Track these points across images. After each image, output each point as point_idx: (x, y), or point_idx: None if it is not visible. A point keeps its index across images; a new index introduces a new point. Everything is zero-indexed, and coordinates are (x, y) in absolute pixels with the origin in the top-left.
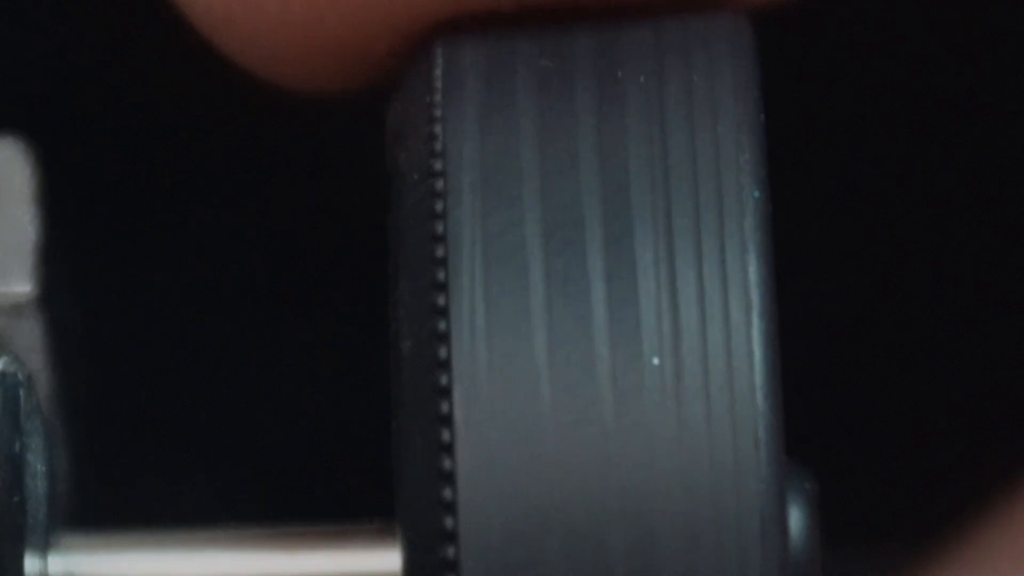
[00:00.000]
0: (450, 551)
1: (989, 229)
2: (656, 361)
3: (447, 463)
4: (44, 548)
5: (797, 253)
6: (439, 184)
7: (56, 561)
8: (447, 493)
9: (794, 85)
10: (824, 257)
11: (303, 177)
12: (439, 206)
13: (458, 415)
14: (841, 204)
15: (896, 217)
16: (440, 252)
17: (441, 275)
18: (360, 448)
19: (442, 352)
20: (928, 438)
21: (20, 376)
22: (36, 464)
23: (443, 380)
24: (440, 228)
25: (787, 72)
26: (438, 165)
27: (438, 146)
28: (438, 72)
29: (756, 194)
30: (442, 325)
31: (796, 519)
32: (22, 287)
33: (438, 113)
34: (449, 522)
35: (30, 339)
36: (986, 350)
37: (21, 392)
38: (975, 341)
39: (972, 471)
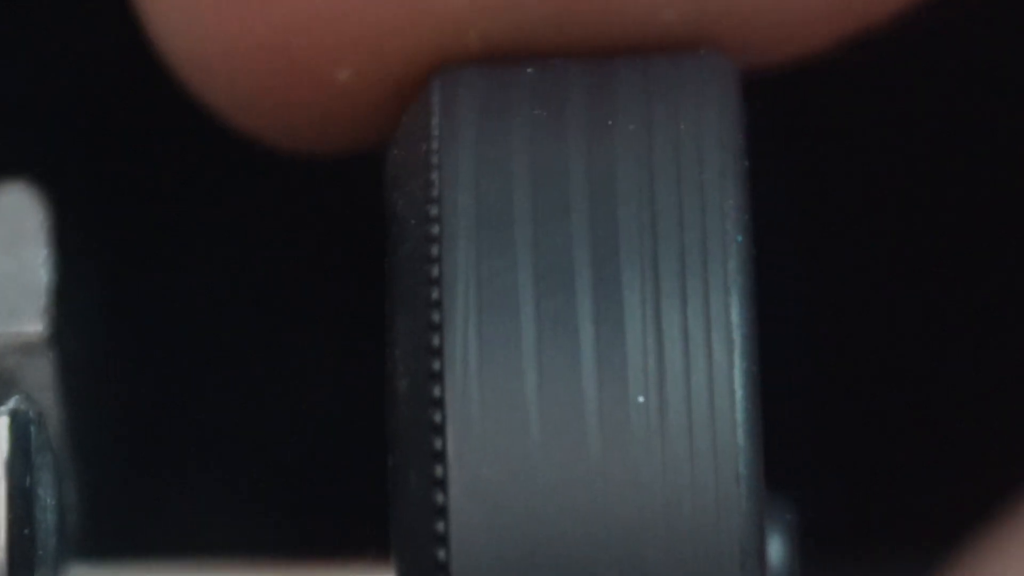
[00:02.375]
0: None
1: (981, 236)
2: (642, 399)
3: (440, 497)
4: None
5: (786, 273)
6: (435, 229)
7: None
8: (440, 526)
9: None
10: (811, 275)
11: (315, 184)
12: (434, 250)
13: (451, 451)
14: (832, 221)
15: (886, 233)
16: (435, 294)
17: (436, 316)
18: (356, 452)
19: (436, 390)
20: (922, 451)
21: (31, 414)
22: (46, 498)
23: (437, 417)
24: (435, 271)
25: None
26: (434, 211)
27: (434, 192)
28: (435, 121)
29: (739, 239)
30: (436, 364)
31: (776, 549)
32: (34, 327)
33: (435, 161)
34: (441, 554)
35: (41, 377)
36: (978, 362)
37: (32, 429)
38: (966, 355)
39: (967, 483)
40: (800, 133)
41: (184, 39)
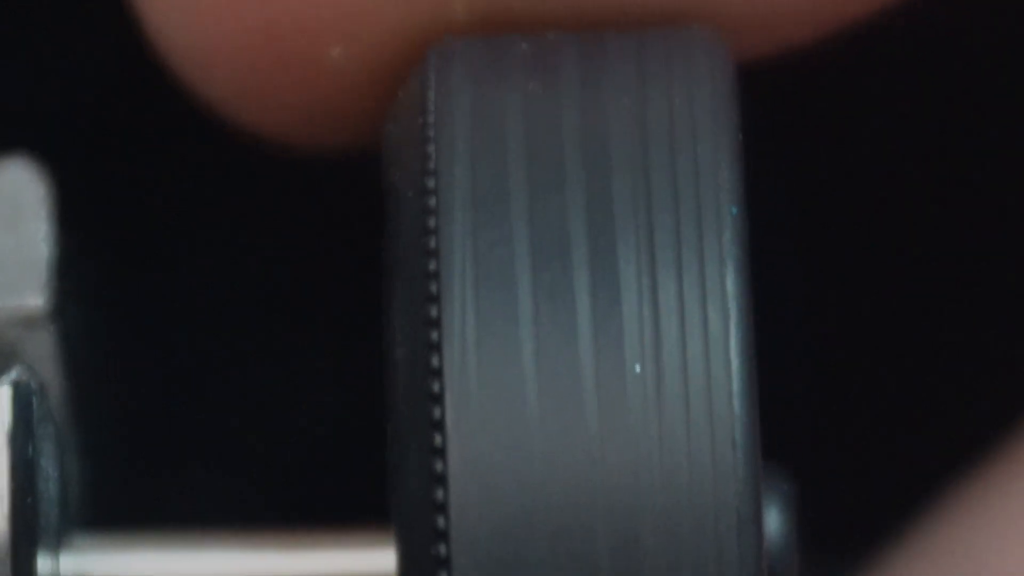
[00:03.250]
0: (442, 549)
1: (983, 231)
2: (638, 369)
3: (439, 466)
4: (56, 549)
5: (781, 258)
6: (431, 202)
7: (68, 561)
8: (439, 494)
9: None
10: (807, 261)
11: (313, 183)
12: (431, 222)
13: (449, 420)
14: (826, 208)
15: (882, 220)
16: (432, 266)
17: (433, 288)
18: (356, 452)
19: (434, 361)
20: (912, 440)
21: (33, 384)
22: (48, 468)
23: (435, 387)
24: (432, 243)
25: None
26: (431, 184)
27: (430, 165)
28: (431, 95)
29: (734, 210)
30: (434, 335)
31: (773, 519)
32: (35, 300)
33: (431, 134)
34: (441, 522)
35: (43, 350)
36: (978, 335)
37: (34, 399)
38: (960, 344)
39: (965, 455)
40: (795, 130)
41: (178, 30)
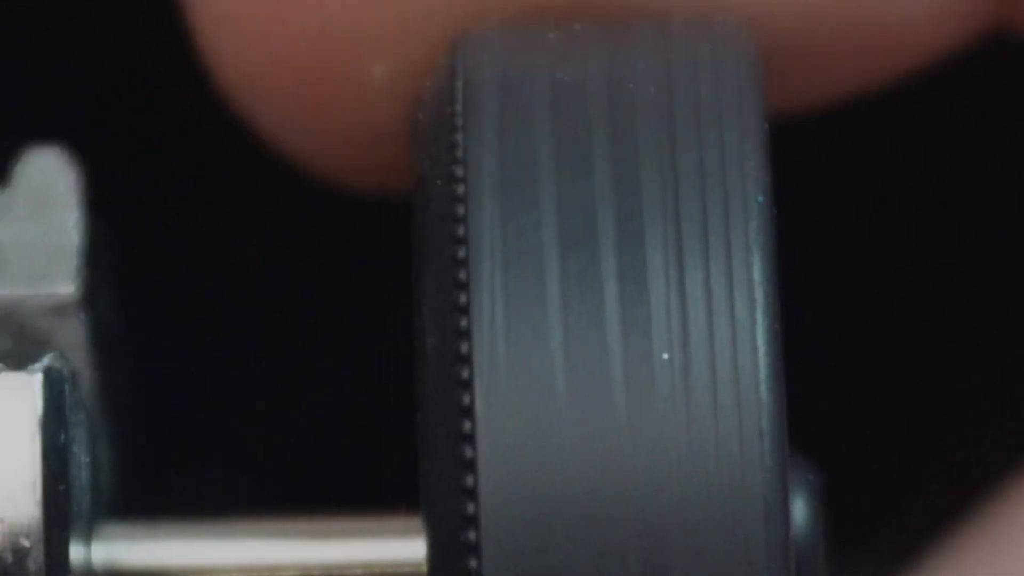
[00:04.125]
0: (471, 535)
1: (993, 227)
2: (666, 356)
3: (468, 452)
4: (88, 536)
5: (804, 251)
6: (460, 189)
7: (99, 549)
8: (468, 480)
9: None
10: (829, 255)
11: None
12: (460, 210)
13: (479, 406)
14: (847, 202)
15: (900, 214)
16: (461, 253)
17: (462, 275)
18: (383, 441)
19: (463, 347)
20: (924, 438)
21: (65, 371)
22: (80, 455)
23: (464, 373)
24: (461, 231)
25: None
26: (459, 171)
27: (459, 154)
28: (459, 84)
29: (760, 199)
30: (463, 322)
31: (799, 508)
32: (66, 288)
33: (459, 123)
34: (470, 507)
35: (74, 337)
36: (987, 348)
37: (66, 387)
38: (975, 338)
39: (971, 469)
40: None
41: (227, 54)
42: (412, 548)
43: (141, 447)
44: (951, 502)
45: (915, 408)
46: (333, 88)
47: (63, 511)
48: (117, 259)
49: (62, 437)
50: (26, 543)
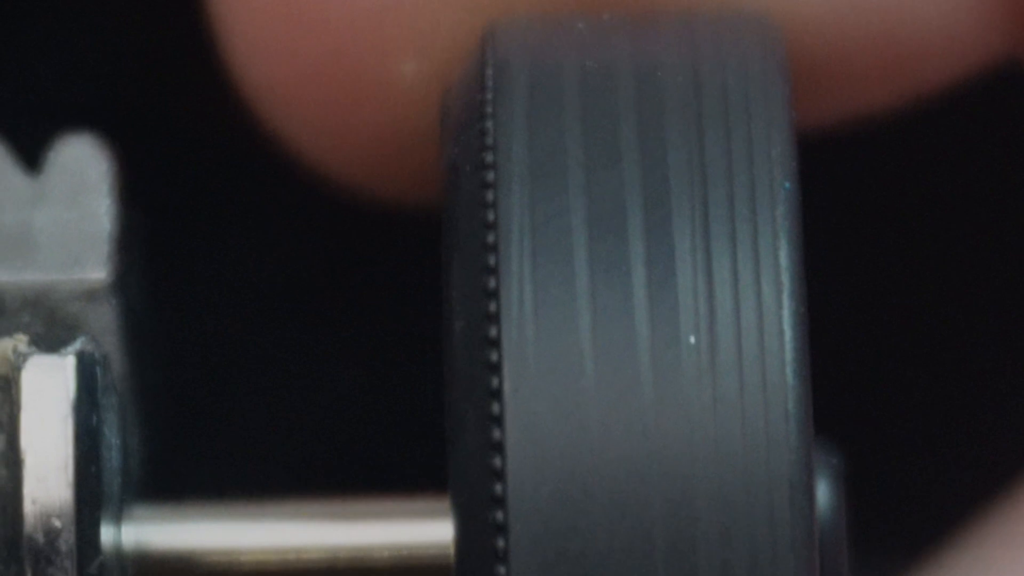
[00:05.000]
0: (499, 515)
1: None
2: (692, 339)
3: (496, 434)
4: (118, 518)
5: (832, 237)
6: (490, 176)
7: (129, 531)
8: (496, 462)
9: None
10: (857, 241)
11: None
12: (490, 196)
13: (507, 389)
14: (868, 197)
15: (938, 191)
16: (491, 238)
17: (492, 260)
18: (415, 418)
19: (492, 331)
20: (930, 436)
21: (97, 355)
22: (111, 438)
23: (493, 357)
24: (491, 216)
25: None
26: (489, 158)
27: (489, 140)
28: (489, 72)
29: (787, 185)
30: (492, 306)
31: (823, 491)
32: (97, 274)
33: (489, 110)
34: (499, 489)
35: (105, 322)
36: (1013, 335)
37: (98, 370)
38: (1003, 327)
39: (993, 460)
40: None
41: (253, 64)
42: (439, 529)
43: (170, 430)
44: (972, 493)
45: (939, 397)
46: (362, 91)
47: (94, 493)
48: (148, 245)
49: (94, 419)
50: (57, 524)
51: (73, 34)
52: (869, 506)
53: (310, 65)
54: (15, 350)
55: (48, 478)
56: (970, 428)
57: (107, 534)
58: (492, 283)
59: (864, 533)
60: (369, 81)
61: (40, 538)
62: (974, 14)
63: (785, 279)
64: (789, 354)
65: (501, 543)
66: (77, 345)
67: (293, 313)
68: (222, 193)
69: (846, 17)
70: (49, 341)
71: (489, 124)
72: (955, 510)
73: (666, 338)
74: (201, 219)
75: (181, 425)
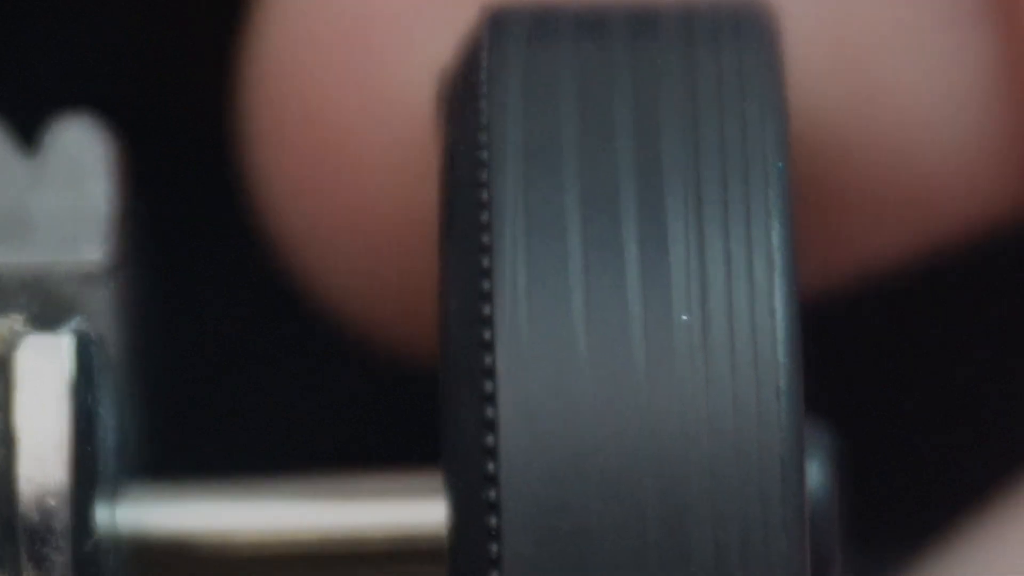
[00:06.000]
0: (492, 493)
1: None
2: (685, 317)
3: (489, 412)
4: (114, 498)
5: None
6: (484, 155)
7: (125, 510)
8: (489, 440)
9: None
10: None
11: None
12: (484, 176)
13: (500, 367)
14: None
15: None
16: (485, 218)
17: (486, 239)
18: (408, 396)
19: (486, 310)
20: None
21: (93, 335)
22: (107, 417)
23: (486, 335)
24: (485, 196)
25: None
26: (483, 138)
27: (483, 120)
28: (484, 53)
29: (780, 165)
30: (486, 285)
31: (815, 469)
32: (94, 256)
33: (484, 90)
34: (491, 467)
35: (101, 304)
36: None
37: (94, 350)
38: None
39: (974, 467)
40: None
41: (288, 220)
42: (433, 507)
43: (166, 410)
44: (972, 485)
45: (940, 389)
46: (390, 244)
47: (90, 472)
48: (150, 240)
49: (90, 399)
50: (52, 503)
51: (73, 34)
52: (870, 498)
53: (340, 212)
54: (11, 330)
55: (43, 458)
56: (971, 420)
57: (102, 514)
58: (486, 262)
59: (864, 525)
60: (402, 240)
61: (35, 517)
62: (990, 164)
63: (777, 258)
64: (781, 332)
65: (494, 521)
66: (73, 325)
67: (293, 305)
68: (222, 192)
69: (861, 158)
70: (45, 322)
71: (484, 104)
72: (955, 503)
73: (659, 317)
74: (202, 216)
75: (176, 404)
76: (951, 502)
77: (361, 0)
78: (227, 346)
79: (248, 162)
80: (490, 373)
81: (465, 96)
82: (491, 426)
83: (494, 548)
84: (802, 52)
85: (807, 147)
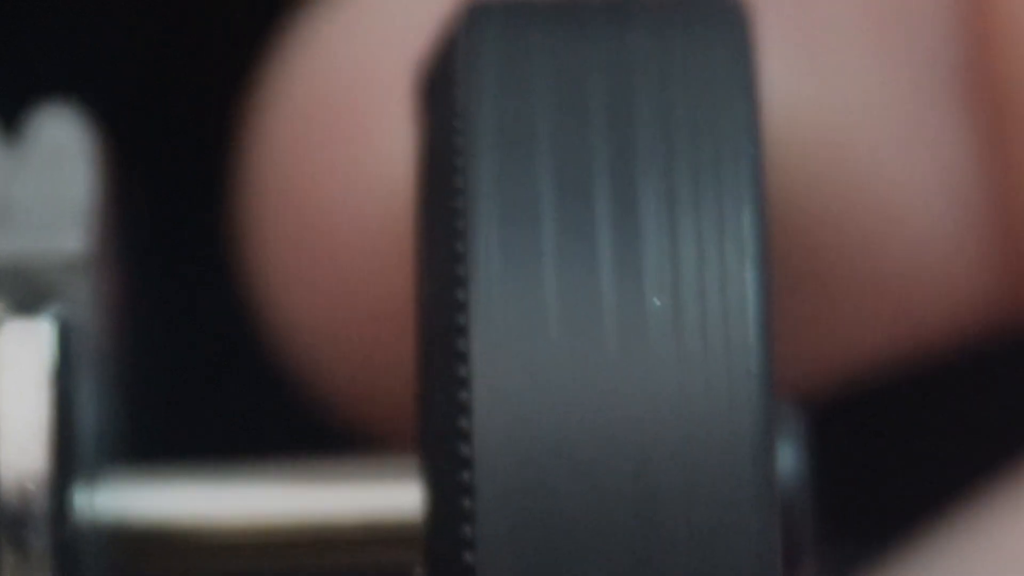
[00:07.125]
0: (466, 476)
1: None
2: (657, 302)
3: (463, 396)
4: (93, 483)
5: None
6: (459, 142)
7: (104, 496)
8: (463, 423)
9: None
10: None
11: None
12: (459, 161)
13: (474, 351)
14: None
15: None
16: (459, 203)
17: (460, 224)
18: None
19: (460, 295)
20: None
21: (72, 321)
22: (87, 403)
23: (461, 320)
24: (460, 181)
25: None
26: (458, 123)
27: (458, 106)
28: (460, 39)
29: (751, 151)
30: (461, 270)
31: (787, 453)
32: (74, 244)
33: (459, 76)
34: (465, 449)
35: (81, 293)
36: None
37: (73, 336)
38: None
39: (965, 465)
40: None
41: (292, 328)
42: (408, 490)
43: (145, 396)
44: (945, 485)
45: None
46: (387, 337)
47: (69, 458)
48: (145, 240)
49: (70, 385)
50: (32, 488)
51: (73, 34)
52: (843, 483)
53: (335, 296)
54: None
55: (23, 443)
56: (945, 405)
57: (81, 500)
58: (460, 247)
59: (838, 510)
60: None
61: (15, 502)
62: (977, 265)
63: (748, 243)
64: (752, 316)
65: (468, 503)
66: (53, 311)
67: None
68: (221, 192)
69: (843, 241)
70: (25, 309)
71: (459, 91)
72: (930, 490)
73: (631, 300)
74: (200, 214)
75: (156, 389)
76: (926, 489)
77: (348, 85)
78: (213, 339)
79: (243, 251)
80: (464, 358)
81: (441, 84)
82: (465, 410)
83: (468, 530)
84: (785, 133)
85: (789, 231)
